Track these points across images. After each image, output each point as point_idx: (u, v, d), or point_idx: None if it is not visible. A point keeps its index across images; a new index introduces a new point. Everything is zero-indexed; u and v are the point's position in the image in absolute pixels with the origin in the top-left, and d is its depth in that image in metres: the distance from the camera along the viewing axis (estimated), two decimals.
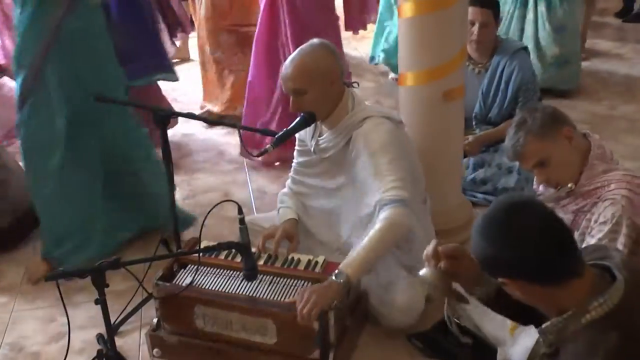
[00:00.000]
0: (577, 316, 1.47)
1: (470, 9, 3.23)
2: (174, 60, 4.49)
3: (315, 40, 2.45)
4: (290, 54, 3.59)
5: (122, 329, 2.64)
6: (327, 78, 2.37)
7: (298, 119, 2.41)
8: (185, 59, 5.63)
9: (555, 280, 1.46)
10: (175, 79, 3.83)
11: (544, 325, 1.53)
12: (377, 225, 2.27)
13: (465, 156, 3.25)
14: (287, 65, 2.39)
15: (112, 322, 2.01)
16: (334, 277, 2.18)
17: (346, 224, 2.52)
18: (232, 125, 2.62)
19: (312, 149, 2.54)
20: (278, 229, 2.49)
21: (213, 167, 3.98)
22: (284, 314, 2.19)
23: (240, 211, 2.11)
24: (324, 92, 2.38)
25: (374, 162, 2.32)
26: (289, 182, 2.71)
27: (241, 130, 2.54)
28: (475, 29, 3.35)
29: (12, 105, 3.01)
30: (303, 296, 2.14)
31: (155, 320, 2.42)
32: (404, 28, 2.77)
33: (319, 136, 2.51)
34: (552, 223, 1.48)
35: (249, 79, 3.76)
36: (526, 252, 1.44)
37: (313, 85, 2.35)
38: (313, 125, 2.49)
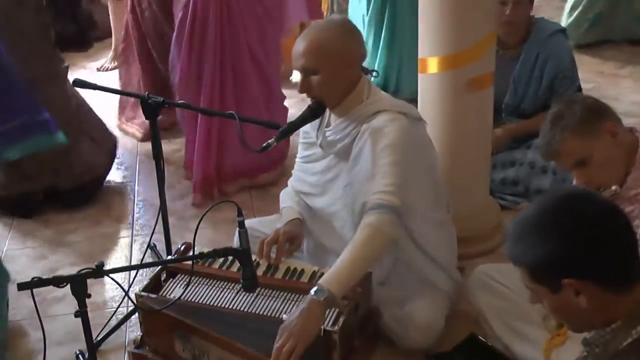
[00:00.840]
0: (627, 328, 1.45)
1: None
2: None
3: (335, 16, 2.40)
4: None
5: (104, 345, 2.62)
6: (343, 59, 2.33)
7: (305, 110, 2.39)
8: None
9: (626, 282, 1.45)
10: (60, 143, 3.14)
11: (588, 336, 1.51)
12: (360, 232, 2.22)
13: (492, 152, 3.23)
14: (299, 40, 2.35)
15: (93, 337, 2.00)
16: (313, 294, 2.10)
17: (347, 228, 2.48)
18: (229, 116, 2.60)
19: (318, 142, 2.52)
20: (280, 233, 2.46)
21: None
22: (263, 359, 2.09)
23: (239, 213, 2.09)
24: (338, 74, 2.34)
25: (375, 162, 2.29)
26: (291, 179, 2.69)
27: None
28: (508, 8, 3.33)
29: None
30: (281, 337, 2.04)
31: (139, 335, 2.41)
32: (424, 8, 2.76)
33: (326, 127, 2.49)
34: (621, 216, 1.48)
35: None
36: (605, 246, 1.43)
37: (326, 65, 2.31)
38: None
